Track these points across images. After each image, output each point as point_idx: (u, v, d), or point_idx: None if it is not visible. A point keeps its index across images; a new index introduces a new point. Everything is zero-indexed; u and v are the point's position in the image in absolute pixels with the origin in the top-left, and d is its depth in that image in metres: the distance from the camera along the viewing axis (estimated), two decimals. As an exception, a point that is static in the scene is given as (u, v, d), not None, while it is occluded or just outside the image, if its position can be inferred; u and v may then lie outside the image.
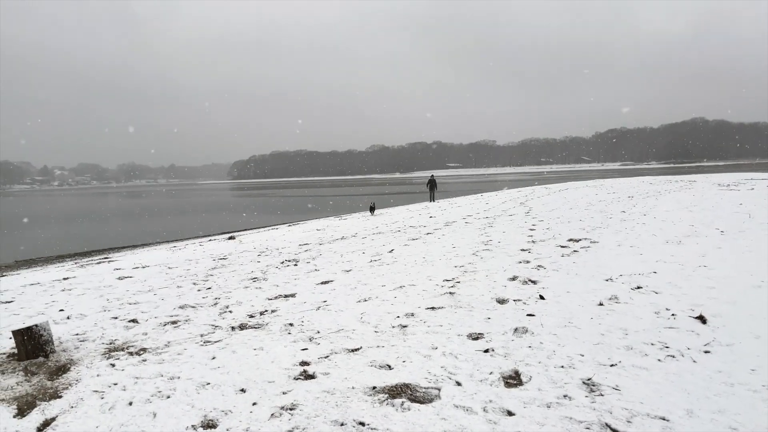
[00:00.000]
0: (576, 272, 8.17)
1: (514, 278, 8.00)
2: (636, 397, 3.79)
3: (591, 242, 11.07)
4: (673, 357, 4.52)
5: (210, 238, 21.46)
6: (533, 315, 6.01)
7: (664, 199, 21.27)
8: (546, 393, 3.95)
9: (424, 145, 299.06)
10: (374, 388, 4.27)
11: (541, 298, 6.75)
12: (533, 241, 11.73)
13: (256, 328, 6.34)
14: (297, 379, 4.60)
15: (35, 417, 4.16)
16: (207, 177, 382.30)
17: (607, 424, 3.42)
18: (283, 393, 4.29)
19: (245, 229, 24.99)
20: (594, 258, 9.26)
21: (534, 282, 7.69)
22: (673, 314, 5.72)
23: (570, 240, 11.55)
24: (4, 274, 14.13)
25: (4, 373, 5.18)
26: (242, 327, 6.42)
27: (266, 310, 7.15)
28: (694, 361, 4.41)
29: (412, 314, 6.43)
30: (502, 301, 6.74)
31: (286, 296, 7.96)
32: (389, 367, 4.73)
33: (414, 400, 4.00)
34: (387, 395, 4.10)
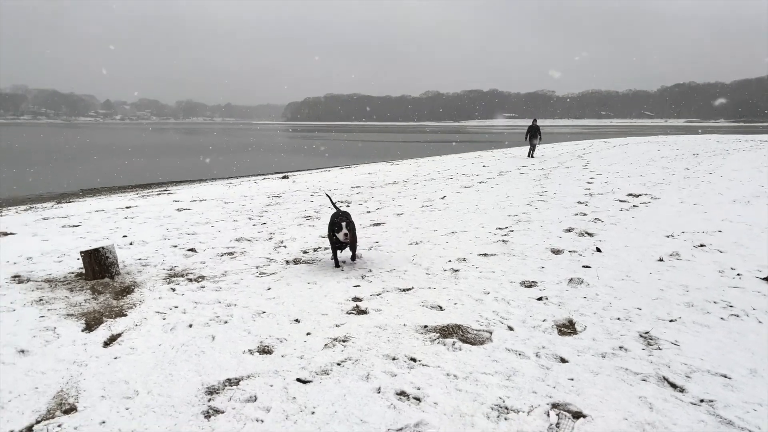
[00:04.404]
0: (635, 227, 7.92)
1: (569, 230, 7.83)
2: (696, 353, 3.68)
3: (652, 198, 10.69)
4: (737, 316, 4.36)
5: (264, 176, 21.81)
6: (589, 267, 5.89)
7: (732, 159, 20.27)
8: (601, 343, 3.89)
9: (480, 93, 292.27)
10: (426, 326, 4.30)
11: (598, 250, 6.59)
12: (590, 194, 11.42)
13: (309, 263, 6.46)
14: (350, 313, 4.68)
15: (102, 332, 4.39)
16: (261, 117, 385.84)
17: (664, 378, 3.34)
18: (336, 326, 4.38)
19: (298, 170, 25.25)
20: (655, 214, 8.94)
21: (590, 234, 7.51)
22: (738, 274, 5.49)
23: (629, 195, 11.19)
24: (71, 200, 14.80)
25: (73, 291, 5.47)
26: (296, 261, 6.55)
27: (319, 248, 7.26)
28: (760, 322, 4.24)
29: (464, 259, 6.40)
30: (556, 252, 6.62)
31: (338, 235, 8.04)
32: (440, 308, 4.75)
33: (465, 341, 4.01)
34: (438, 334, 4.13)
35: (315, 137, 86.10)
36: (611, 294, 4.98)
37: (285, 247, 7.35)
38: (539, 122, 25.75)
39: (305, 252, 7.02)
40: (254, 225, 9.13)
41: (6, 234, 8.61)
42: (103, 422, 3.00)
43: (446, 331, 4.19)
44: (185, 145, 59.77)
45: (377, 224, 8.88)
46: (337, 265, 6.27)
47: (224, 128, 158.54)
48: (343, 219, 6.06)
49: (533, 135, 24.84)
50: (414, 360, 3.69)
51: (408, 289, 5.31)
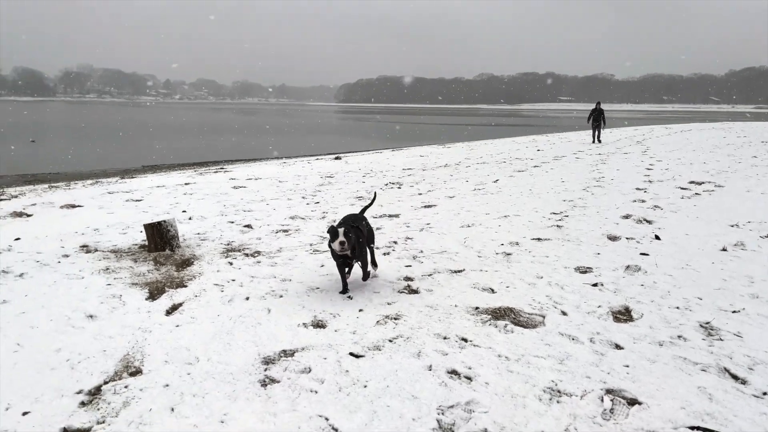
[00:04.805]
0: (697, 215, 7.64)
1: (627, 216, 7.62)
2: (760, 345, 3.55)
3: (716, 186, 10.27)
4: (806, 310, 4.17)
5: (317, 157, 22.05)
6: (647, 254, 5.73)
7: (806, 147, 19.18)
8: (658, 332, 3.79)
9: (536, 76, 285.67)
10: (477, 308, 4.30)
11: (657, 238, 6.40)
12: (650, 181, 11.06)
13: (361, 242, 6.52)
14: (401, 292, 4.72)
15: (164, 302, 4.58)
16: (315, 98, 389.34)
17: (725, 369, 3.24)
18: (388, 303, 4.43)
19: (350, 151, 25.39)
20: (718, 202, 8.60)
21: (649, 222, 7.30)
22: (808, 267, 5.24)
23: (691, 182, 10.78)
24: (133, 176, 15.38)
25: (136, 261, 5.72)
26: (348, 240, 6.63)
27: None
28: (831, 317, 4.04)
29: (517, 243, 6.34)
30: (613, 238, 6.46)
31: (390, 216, 8.08)
32: (492, 290, 4.73)
33: (517, 324, 3.99)
34: (490, 316, 4.12)
35: (367, 119, 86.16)
36: (670, 282, 4.84)
37: (338, 225, 7.44)
38: (603, 106, 24.06)
39: (357, 231, 7.09)
40: (308, 204, 9.28)
41: (74, 206, 9.05)
42: (167, 385, 3.15)
43: (498, 314, 4.18)
44: (241, 125, 60.93)
45: (429, 206, 8.88)
46: (344, 289, 4.72)
47: (278, 109, 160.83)
48: (346, 224, 4.58)
49: (596, 119, 23.33)
50: (465, 340, 3.70)
51: (459, 271, 5.30)
